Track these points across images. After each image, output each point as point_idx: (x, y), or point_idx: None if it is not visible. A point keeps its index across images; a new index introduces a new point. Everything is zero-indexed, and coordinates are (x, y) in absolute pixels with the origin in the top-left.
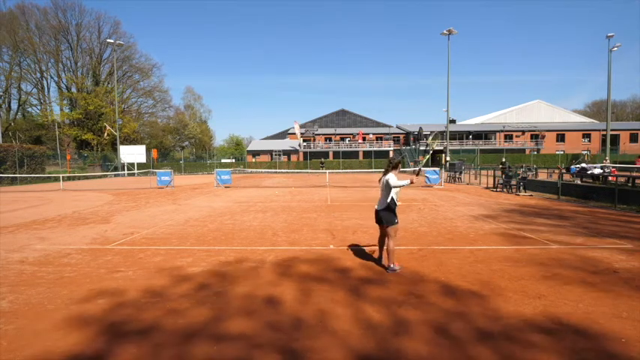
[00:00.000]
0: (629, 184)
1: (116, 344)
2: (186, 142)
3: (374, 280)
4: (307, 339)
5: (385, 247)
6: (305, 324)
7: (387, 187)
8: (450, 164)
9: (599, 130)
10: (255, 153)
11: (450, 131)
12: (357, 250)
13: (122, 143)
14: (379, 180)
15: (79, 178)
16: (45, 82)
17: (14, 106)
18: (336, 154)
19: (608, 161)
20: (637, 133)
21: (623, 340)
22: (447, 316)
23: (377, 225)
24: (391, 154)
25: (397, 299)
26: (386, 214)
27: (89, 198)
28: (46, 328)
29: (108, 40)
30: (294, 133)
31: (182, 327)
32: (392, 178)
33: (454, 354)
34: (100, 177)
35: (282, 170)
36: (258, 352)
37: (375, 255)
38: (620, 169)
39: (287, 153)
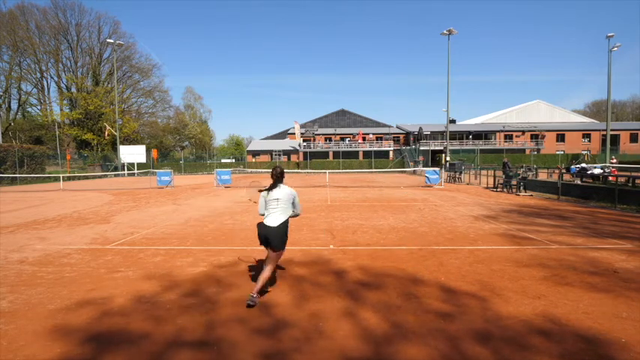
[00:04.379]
0: (629, 184)
1: (115, 345)
2: (186, 142)
3: (374, 281)
4: (306, 342)
5: (264, 274)
6: (304, 326)
7: (292, 204)
8: (449, 164)
9: (599, 130)
10: (255, 153)
11: (450, 131)
12: (357, 250)
13: (122, 143)
14: (267, 192)
15: (79, 178)
16: (45, 82)
17: (14, 106)
18: (336, 154)
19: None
20: (637, 133)
21: (623, 340)
22: (446, 318)
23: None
24: (391, 154)
25: (397, 300)
26: (283, 236)
27: (89, 198)
28: (46, 328)
29: (108, 40)
30: (294, 133)
31: (181, 329)
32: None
33: (454, 356)
34: (100, 177)
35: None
36: (257, 356)
37: (373, 257)
38: (623, 169)
39: (287, 153)
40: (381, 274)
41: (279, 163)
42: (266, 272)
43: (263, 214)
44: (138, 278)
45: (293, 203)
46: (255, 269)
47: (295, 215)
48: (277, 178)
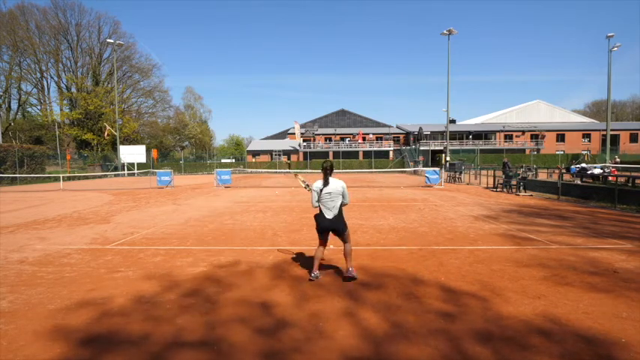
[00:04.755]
0: (629, 184)
1: (115, 345)
2: (186, 142)
3: (373, 282)
4: (306, 342)
5: (344, 252)
6: (304, 326)
7: (342, 195)
8: (449, 164)
9: (599, 130)
10: (255, 153)
11: (450, 131)
12: (357, 250)
13: (122, 143)
14: (322, 187)
15: (79, 178)
16: (45, 82)
17: (14, 106)
18: (336, 154)
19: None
20: (637, 133)
21: (623, 340)
22: (446, 318)
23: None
24: (391, 154)
25: (397, 300)
26: (343, 220)
27: (89, 198)
28: (46, 328)
29: (108, 40)
30: (294, 133)
31: (181, 329)
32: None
33: (454, 356)
34: (100, 177)
35: (282, 170)
36: (257, 356)
37: (371, 258)
38: (623, 169)
39: (287, 153)
40: (381, 274)
41: (279, 163)
42: (348, 248)
43: (317, 206)
44: (138, 278)
45: (343, 194)
46: (256, 269)
47: (345, 204)
48: (328, 173)
